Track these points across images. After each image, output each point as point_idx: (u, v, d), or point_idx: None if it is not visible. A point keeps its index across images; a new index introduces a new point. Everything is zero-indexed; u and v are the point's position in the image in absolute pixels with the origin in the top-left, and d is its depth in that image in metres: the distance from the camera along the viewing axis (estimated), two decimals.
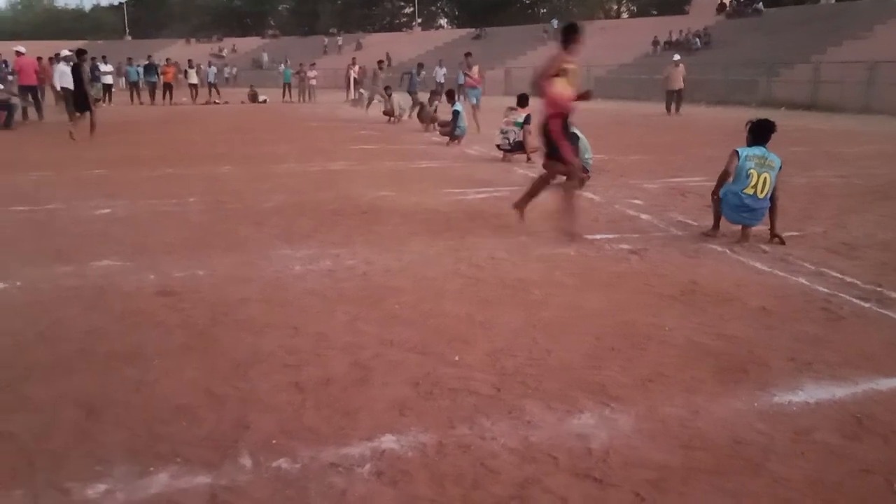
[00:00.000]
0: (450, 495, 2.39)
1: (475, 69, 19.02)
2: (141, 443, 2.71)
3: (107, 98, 25.67)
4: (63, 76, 16.53)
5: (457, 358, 3.52)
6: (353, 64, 33.98)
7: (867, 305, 4.38)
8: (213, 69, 34.99)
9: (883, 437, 2.81)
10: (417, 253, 5.53)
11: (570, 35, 5.91)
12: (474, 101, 17.99)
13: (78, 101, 14.47)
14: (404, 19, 77.58)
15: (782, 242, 5.79)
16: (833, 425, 2.89)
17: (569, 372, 3.37)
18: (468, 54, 19.48)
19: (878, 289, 4.68)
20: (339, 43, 58.88)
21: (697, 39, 36.27)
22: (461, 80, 32.50)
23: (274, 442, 2.72)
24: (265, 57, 57.46)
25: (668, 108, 22.51)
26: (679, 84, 22.34)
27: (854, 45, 27.45)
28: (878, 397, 3.15)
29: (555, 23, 48.31)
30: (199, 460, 2.59)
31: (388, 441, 2.73)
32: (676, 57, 23.61)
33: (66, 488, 2.41)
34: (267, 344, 3.69)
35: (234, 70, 50.54)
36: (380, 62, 22.40)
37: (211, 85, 32.98)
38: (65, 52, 17.70)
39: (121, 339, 3.76)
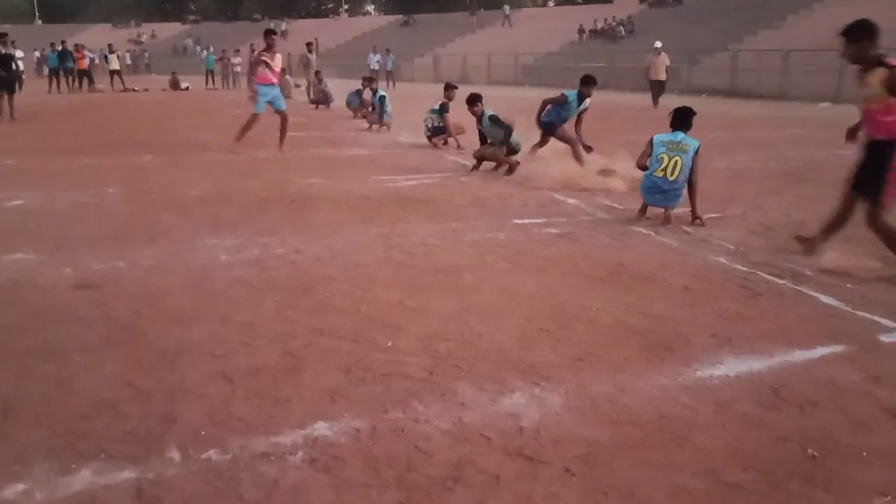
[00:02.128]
0: (384, 479, 2.39)
1: (276, 58, 10.58)
2: (61, 440, 2.61)
3: (17, 85, 24.42)
4: None
5: (389, 344, 3.52)
6: (252, 51, 33.22)
7: (782, 282, 4.58)
8: (93, 55, 30.41)
9: (798, 406, 2.94)
10: (348, 240, 5.48)
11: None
12: (261, 109, 10.64)
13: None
14: (331, 5, 76.31)
15: (702, 224, 5.99)
16: (752, 397, 3.01)
17: (500, 354, 3.41)
18: (269, 33, 10.55)
19: (792, 266, 4.89)
20: (283, 28, 56.89)
21: (622, 28, 36.99)
22: (389, 66, 32.46)
23: (203, 433, 2.66)
24: (190, 43, 55.43)
25: (656, 101, 19.77)
26: (662, 74, 19.81)
27: (769, 34, 28.51)
28: (792, 369, 3.30)
29: (507, 8, 47.85)
30: (123, 455, 2.51)
31: (320, 428, 2.71)
32: (658, 44, 20.54)
33: None
34: (193, 335, 3.60)
35: (147, 56, 48.43)
36: (308, 44, 21.70)
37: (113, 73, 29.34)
38: None
39: (37, 334, 3.60)
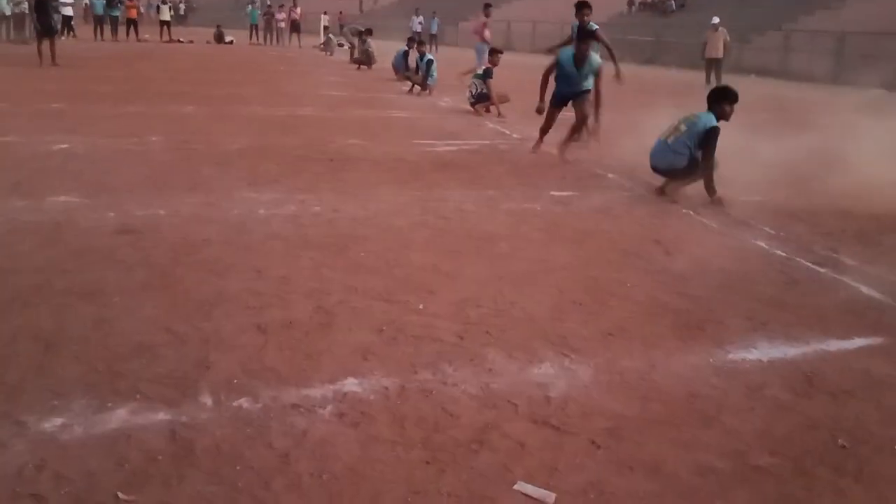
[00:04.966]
0: (411, 437, 2.42)
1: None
2: (99, 378, 2.68)
3: (66, 32, 24.71)
4: None
5: (421, 306, 3.53)
6: (295, 6, 32.93)
7: (822, 270, 4.49)
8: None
9: (831, 394, 2.90)
10: (385, 202, 5.49)
11: None
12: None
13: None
14: None
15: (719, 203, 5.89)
16: (784, 382, 2.98)
17: (532, 323, 3.41)
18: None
19: (834, 255, 4.79)
20: None
21: (672, 2, 36.05)
22: (434, 29, 32.15)
23: (235, 381, 2.71)
24: None
25: (708, 79, 19.02)
26: (719, 52, 19.03)
27: (825, 14, 27.59)
28: (828, 357, 3.25)
29: None
30: (158, 397, 2.57)
31: (350, 384, 2.74)
32: (716, 20, 19.61)
33: (22, 421, 2.38)
34: (229, 285, 3.65)
35: (182, 7, 47.94)
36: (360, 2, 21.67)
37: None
38: None
39: (79, 275, 3.68)
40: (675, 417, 2.66)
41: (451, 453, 2.35)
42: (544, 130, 7.88)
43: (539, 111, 7.73)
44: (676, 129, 6.03)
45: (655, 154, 6.13)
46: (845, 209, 6.04)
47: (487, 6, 16.09)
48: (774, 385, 2.95)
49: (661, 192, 6.23)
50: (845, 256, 4.76)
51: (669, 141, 6.00)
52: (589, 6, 8.59)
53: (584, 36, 7.64)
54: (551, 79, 7.76)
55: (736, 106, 5.97)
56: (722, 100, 5.92)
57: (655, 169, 6.19)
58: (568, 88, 7.58)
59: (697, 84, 18.40)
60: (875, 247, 5.04)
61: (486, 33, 15.56)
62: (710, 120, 5.88)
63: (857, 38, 22.66)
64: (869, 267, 4.56)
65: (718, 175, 6.03)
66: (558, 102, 7.73)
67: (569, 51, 7.61)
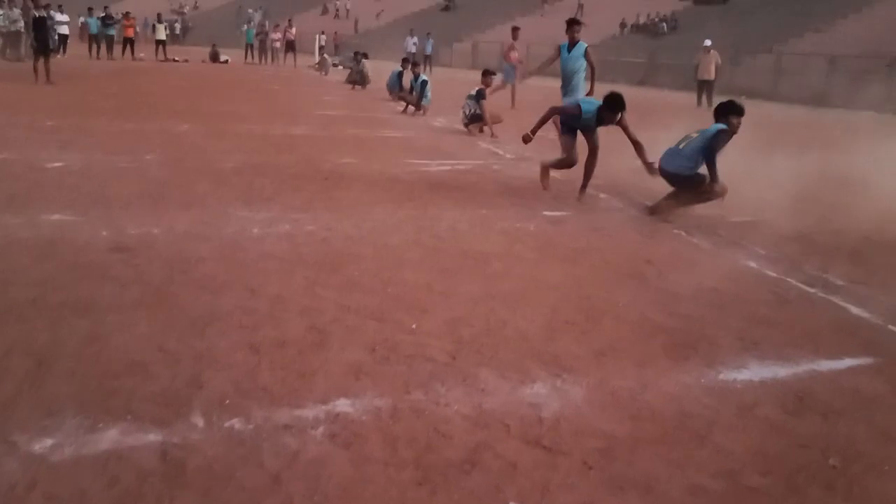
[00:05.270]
0: (403, 458, 2.42)
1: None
2: (91, 397, 2.67)
3: (62, 50, 24.78)
4: None
5: (414, 325, 3.54)
6: (290, 26, 33.22)
7: (812, 290, 4.52)
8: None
9: (822, 414, 2.92)
10: (379, 221, 5.51)
11: None
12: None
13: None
14: None
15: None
16: (775, 402, 2.99)
17: (524, 342, 3.42)
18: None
19: (824, 275, 4.83)
20: (340, 6, 56.31)
21: (664, 24, 36.48)
22: (428, 50, 32.41)
23: (227, 402, 2.70)
24: (258, 15, 53.86)
25: (699, 101, 19.58)
26: (711, 74, 19.59)
27: (815, 37, 27.97)
28: (818, 377, 3.27)
29: None
30: (150, 417, 2.56)
31: (342, 404, 2.74)
32: (708, 42, 20.18)
33: (13, 441, 2.37)
34: (223, 304, 3.65)
35: (178, 27, 47.56)
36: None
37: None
38: None
39: (73, 291, 3.68)
40: (667, 437, 2.67)
41: (444, 474, 2.35)
42: (568, 165, 7.06)
43: (525, 140, 6.97)
44: (688, 136, 6.24)
45: (665, 157, 6.29)
46: (836, 229, 6.09)
47: (515, 29, 16.62)
48: (766, 405, 2.97)
49: (652, 211, 6.28)
50: (836, 276, 4.80)
51: (681, 147, 6.19)
52: (579, 23, 8.66)
53: (618, 118, 6.68)
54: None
55: (742, 119, 6.22)
56: (729, 113, 6.19)
57: (663, 171, 6.30)
58: (577, 125, 6.94)
59: (689, 105, 18.61)
60: (865, 266, 5.09)
61: (513, 55, 16.33)
62: (718, 124, 6.12)
63: (846, 61, 22.95)
64: (859, 287, 4.60)
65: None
66: (569, 130, 7.00)
67: (594, 106, 6.78)
